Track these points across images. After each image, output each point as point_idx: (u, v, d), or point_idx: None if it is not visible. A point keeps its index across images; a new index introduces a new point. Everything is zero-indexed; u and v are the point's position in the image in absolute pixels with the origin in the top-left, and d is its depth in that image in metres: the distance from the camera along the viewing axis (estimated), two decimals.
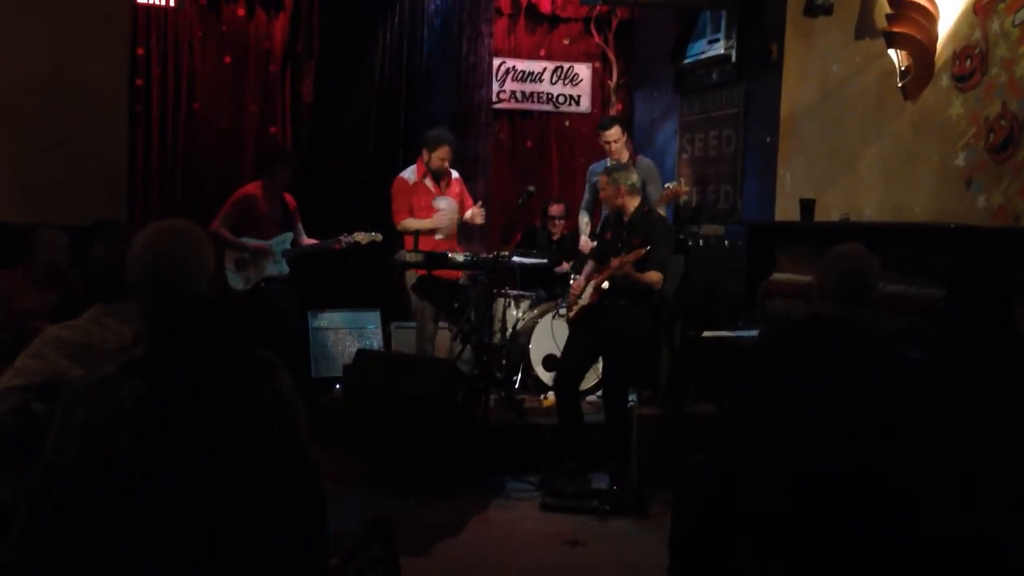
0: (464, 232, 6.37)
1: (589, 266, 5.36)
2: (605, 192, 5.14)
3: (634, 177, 5.15)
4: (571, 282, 5.55)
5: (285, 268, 6.15)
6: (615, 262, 4.89)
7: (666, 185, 5.95)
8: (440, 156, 5.91)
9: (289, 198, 6.23)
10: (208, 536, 1.83)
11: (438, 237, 5.98)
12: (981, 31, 4.63)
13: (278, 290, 6.11)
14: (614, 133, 6.10)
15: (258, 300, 6.03)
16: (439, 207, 5.98)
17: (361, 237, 6.13)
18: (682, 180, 6.38)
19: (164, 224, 2.19)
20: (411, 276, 6.01)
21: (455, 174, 6.17)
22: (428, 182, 6.01)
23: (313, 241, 6.29)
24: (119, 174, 6.49)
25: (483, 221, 6.05)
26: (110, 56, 6.40)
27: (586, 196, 6.66)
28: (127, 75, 6.58)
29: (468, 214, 6.06)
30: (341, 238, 6.15)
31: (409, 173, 6.07)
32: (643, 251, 4.83)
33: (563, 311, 5.87)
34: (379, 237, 6.16)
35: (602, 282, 5.01)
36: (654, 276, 4.95)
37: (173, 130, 6.90)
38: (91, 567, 1.79)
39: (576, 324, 5.24)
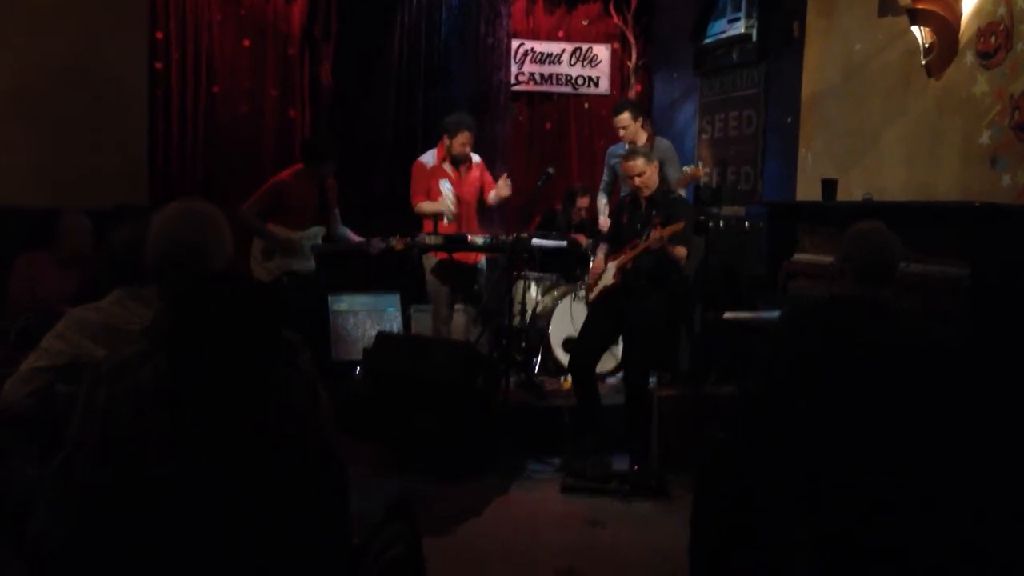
0: (485, 215, 6.33)
1: (603, 248, 5.34)
2: (646, 175, 5.06)
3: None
4: (591, 263, 5.52)
5: (312, 265, 5.88)
6: (655, 234, 4.84)
7: (684, 168, 5.93)
8: (461, 142, 5.87)
9: (330, 181, 5.95)
10: (230, 516, 1.84)
11: (445, 222, 5.94)
12: (1006, 7, 4.56)
13: (299, 287, 5.84)
14: (624, 119, 6.05)
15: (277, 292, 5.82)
16: (441, 191, 5.94)
17: (397, 244, 5.80)
18: (700, 163, 6.34)
19: (181, 205, 2.20)
20: (429, 259, 5.98)
21: (476, 159, 6.11)
22: (447, 166, 5.97)
23: (354, 237, 6.02)
24: (140, 158, 6.54)
25: (509, 192, 5.89)
26: (130, 40, 6.44)
27: (604, 178, 6.63)
28: (147, 59, 6.62)
29: (492, 194, 5.98)
30: (373, 241, 5.85)
31: (428, 157, 6.03)
32: (680, 225, 4.81)
33: (582, 293, 5.86)
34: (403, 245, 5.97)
35: (627, 261, 4.99)
36: (682, 251, 4.96)
37: (193, 114, 6.92)
38: (115, 547, 1.81)
39: (596, 305, 5.23)
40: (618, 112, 6.11)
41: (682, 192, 6.01)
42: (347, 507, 2.01)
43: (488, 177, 6.13)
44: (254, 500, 1.85)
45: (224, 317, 1.88)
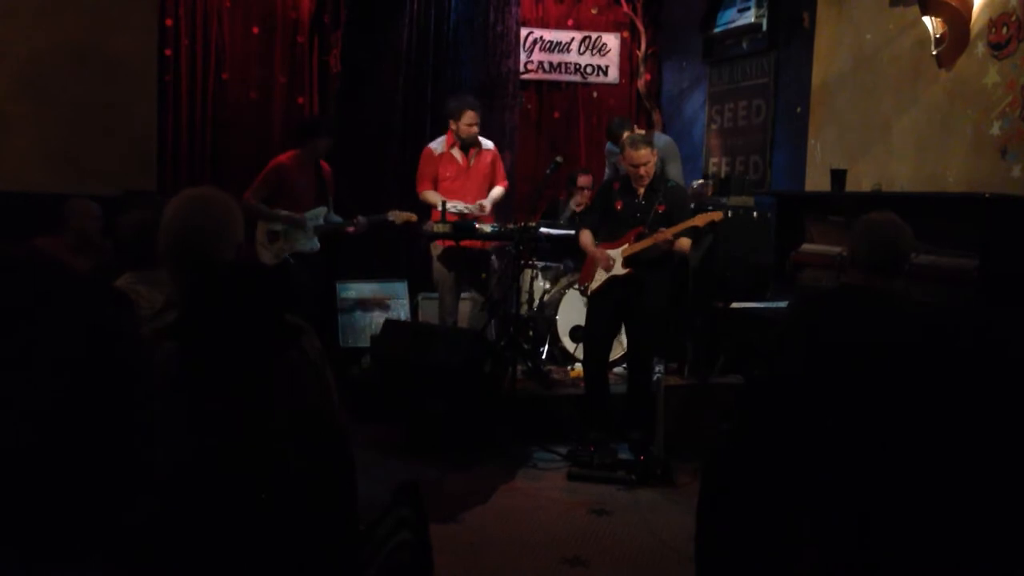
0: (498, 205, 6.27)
1: (588, 236, 5.23)
2: (650, 164, 5.02)
3: None
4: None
5: (316, 244, 5.95)
6: (664, 233, 4.84)
7: (693, 183, 5.94)
8: (466, 122, 5.79)
9: (325, 167, 6.06)
10: (237, 499, 1.85)
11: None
12: None
13: (304, 267, 5.90)
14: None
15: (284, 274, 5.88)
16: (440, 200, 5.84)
17: (396, 216, 5.94)
18: (710, 208, 5.95)
19: (194, 192, 2.21)
20: (436, 247, 5.97)
21: (489, 144, 6.03)
22: (456, 152, 5.92)
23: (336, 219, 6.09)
24: (149, 144, 6.56)
25: (486, 209, 5.83)
26: (139, 27, 6.45)
27: (608, 174, 6.62)
28: (156, 45, 6.62)
29: (492, 192, 5.92)
30: (358, 220, 5.95)
31: (437, 144, 5.98)
32: (692, 223, 4.81)
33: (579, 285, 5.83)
34: (414, 217, 5.98)
35: (634, 252, 4.97)
36: (686, 243, 4.98)
37: (202, 100, 6.92)
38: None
39: (598, 296, 5.19)
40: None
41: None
42: (354, 491, 2.02)
43: (500, 167, 6.07)
44: (262, 481, 1.86)
45: (234, 305, 1.89)
